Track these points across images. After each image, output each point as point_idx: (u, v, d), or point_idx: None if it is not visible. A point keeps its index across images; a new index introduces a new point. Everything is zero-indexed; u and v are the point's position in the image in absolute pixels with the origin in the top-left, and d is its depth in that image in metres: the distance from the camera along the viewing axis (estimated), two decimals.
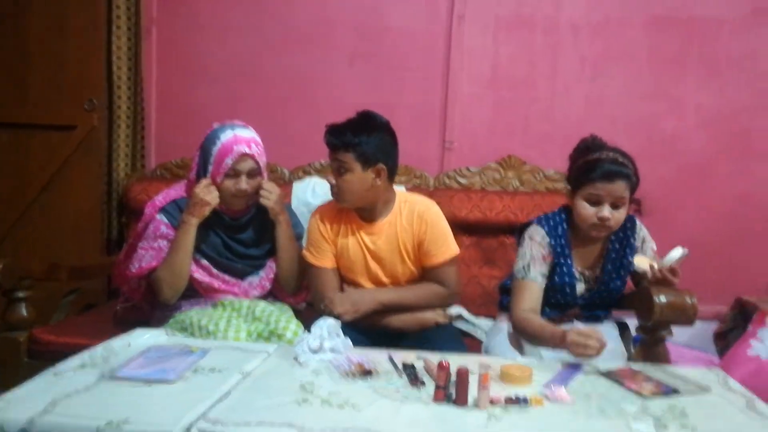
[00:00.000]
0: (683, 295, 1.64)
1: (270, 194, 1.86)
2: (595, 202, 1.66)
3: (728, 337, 2.39)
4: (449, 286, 1.83)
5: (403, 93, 2.70)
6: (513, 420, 1.14)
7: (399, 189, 1.95)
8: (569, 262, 1.75)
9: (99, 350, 1.45)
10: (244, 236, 1.92)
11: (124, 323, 1.92)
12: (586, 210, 1.67)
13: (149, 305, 1.96)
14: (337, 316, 1.65)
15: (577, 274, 1.78)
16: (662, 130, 2.66)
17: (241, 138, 1.80)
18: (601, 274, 1.79)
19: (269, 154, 1.92)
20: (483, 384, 1.18)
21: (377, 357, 1.44)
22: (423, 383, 1.29)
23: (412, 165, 2.62)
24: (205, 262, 1.86)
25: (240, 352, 1.47)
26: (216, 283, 1.87)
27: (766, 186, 2.64)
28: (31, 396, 1.17)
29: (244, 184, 1.82)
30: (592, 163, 1.66)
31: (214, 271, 1.87)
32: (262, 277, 1.94)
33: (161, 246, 1.83)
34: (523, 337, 1.67)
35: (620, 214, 1.67)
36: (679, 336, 1.99)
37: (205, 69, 2.78)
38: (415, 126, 2.66)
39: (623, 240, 1.78)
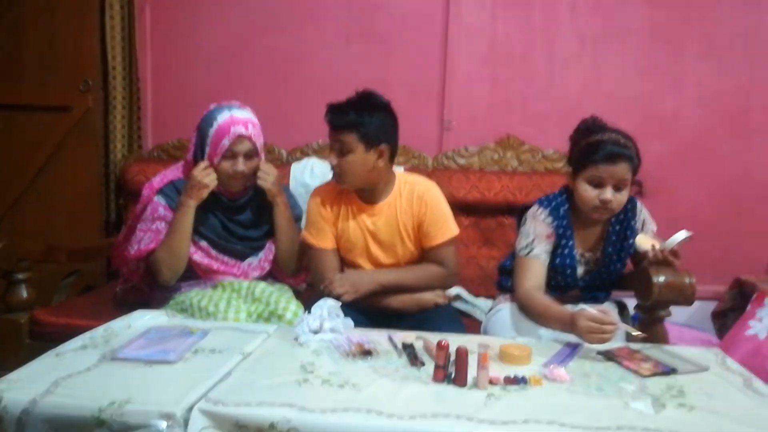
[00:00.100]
0: (682, 275, 1.65)
1: (267, 176, 1.85)
2: (597, 184, 1.64)
3: (726, 317, 2.41)
4: (448, 266, 1.83)
5: (400, 71, 2.67)
6: (512, 399, 1.15)
7: (398, 170, 1.94)
8: (571, 243, 1.74)
9: (100, 331, 1.46)
10: (242, 217, 1.91)
11: (124, 304, 1.92)
12: (587, 192, 1.65)
13: (148, 286, 1.97)
14: (336, 297, 1.65)
15: (578, 256, 1.77)
16: (661, 108, 2.64)
17: (238, 119, 1.79)
18: (601, 257, 1.78)
19: (266, 135, 1.91)
20: (482, 364, 1.18)
21: (377, 337, 1.44)
22: (422, 363, 1.29)
23: (410, 145, 2.60)
24: (204, 243, 1.86)
25: (240, 333, 1.47)
26: (215, 265, 1.87)
27: (765, 164, 2.64)
28: (34, 377, 1.18)
29: (242, 165, 1.81)
30: (594, 145, 1.64)
31: (213, 252, 1.87)
32: (261, 259, 1.93)
33: (159, 228, 1.83)
34: (527, 315, 1.65)
35: (622, 196, 1.65)
36: (677, 316, 2.01)
37: (200, 48, 2.75)
38: (413, 105, 2.64)
39: (624, 222, 1.77)
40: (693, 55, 2.62)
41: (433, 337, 1.38)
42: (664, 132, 2.62)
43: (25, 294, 1.97)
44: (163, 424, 1.04)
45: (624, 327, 1.47)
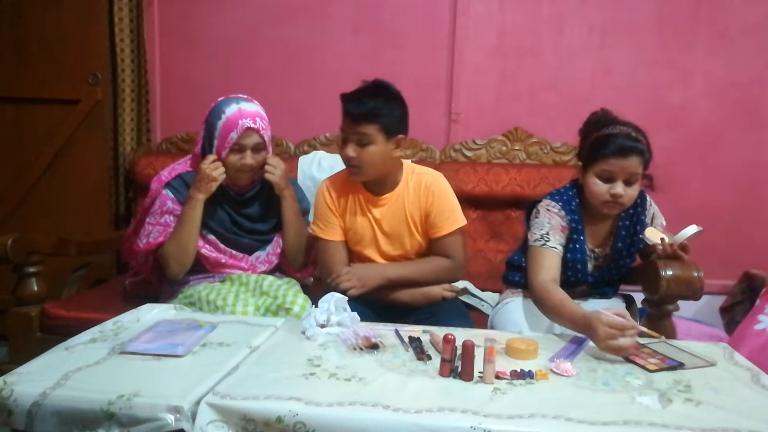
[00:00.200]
0: (690, 269, 1.64)
1: (275, 169, 1.85)
2: (608, 178, 1.61)
3: (734, 311, 2.40)
4: (456, 258, 1.82)
5: (408, 63, 2.66)
6: (518, 394, 1.15)
7: (405, 162, 1.93)
8: (582, 238, 1.72)
9: (109, 325, 1.47)
10: (250, 211, 1.92)
11: (134, 298, 1.94)
12: (598, 187, 1.63)
13: (158, 280, 1.98)
14: (343, 291, 1.65)
15: (588, 252, 1.74)
16: (670, 100, 2.62)
17: (246, 112, 1.79)
18: (611, 252, 1.76)
19: (274, 128, 1.91)
20: (489, 358, 1.18)
21: (384, 331, 1.45)
22: (429, 357, 1.30)
23: (417, 138, 2.60)
24: (212, 237, 1.87)
25: (248, 327, 1.48)
26: (223, 258, 1.88)
27: None
28: (44, 370, 1.19)
29: (249, 158, 1.81)
30: (605, 139, 1.61)
31: (222, 246, 1.88)
32: (269, 252, 1.94)
33: (168, 221, 1.84)
34: (541, 309, 1.59)
35: (633, 191, 1.63)
36: (685, 310, 2.00)
37: (208, 41, 2.75)
38: (421, 97, 2.63)
39: (633, 217, 1.75)
40: (702, 47, 2.59)
41: (440, 331, 1.38)
42: (673, 124, 2.60)
43: (35, 287, 1.99)
44: (171, 418, 1.04)
45: (641, 329, 1.40)
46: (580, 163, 1.71)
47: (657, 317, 1.72)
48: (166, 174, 1.92)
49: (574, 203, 1.71)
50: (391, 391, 1.14)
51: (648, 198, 1.78)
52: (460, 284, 2.12)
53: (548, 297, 1.55)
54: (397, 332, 1.45)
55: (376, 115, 1.68)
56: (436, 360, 1.26)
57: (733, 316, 2.39)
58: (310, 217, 1.98)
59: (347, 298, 1.50)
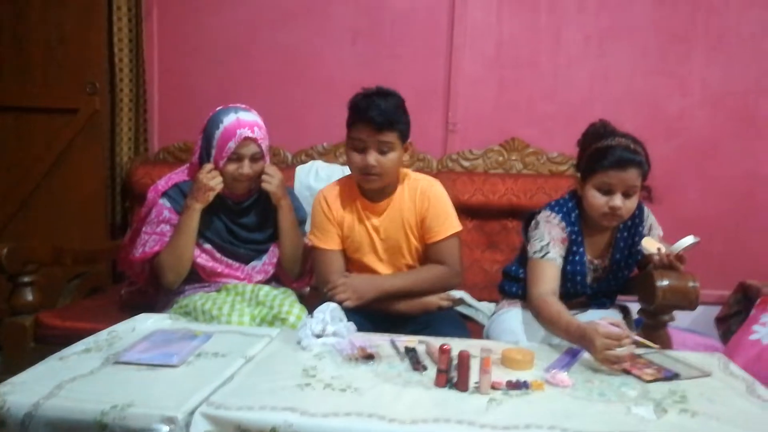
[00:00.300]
0: (686, 279, 1.65)
1: (272, 179, 1.85)
2: (607, 191, 1.61)
3: (730, 321, 2.40)
4: (452, 263, 1.82)
5: (405, 73, 2.68)
6: (514, 404, 1.14)
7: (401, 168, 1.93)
8: (581, 250, 1.71)
9: (103, 335, 1.47)
10: (246, 220, 1.92)
11: (129, 307, 1.93)
12: (597, 199, 1.62)
13: (154, 289, 1.97)
14: (339, 303, 1.65)
15: (587, 263, 1.74)
16: (667, 109, 2.64)
17: (244, 122, 1.79)
18: (610, 264, 1.76)
19: (272, 137, 1.91)
20: (484, 368, 1.18)
21: (379, 341, 1.45)
22: (425, 367, 1.29)
23: (414, 147, 2.58)
24: (208, 246, 1.87)
25: (243, 337, 1.48)
26: (219, 268, 1.88)
27: None
28: (37, 380, 1.19)
29: (247, 168, 1.81)
30: (604, 151, 1.61)
31: (218, 255, 1.88)
32: (266, 262, 1.94)
33: (164, 231, 1.84)
34: (539, 320, 1.59)
35: (632, 203, 1.62)
36: (681, 320, 2.00)
37: (207, 51, 2.77)
38: (418, 107, 2.59)
39: (632, 228, 1.74)
40: (700, 56, 2.61)
41: (436, 342, 1.38)
42: (671, 133, 2.61)
43: (30, 297, 1.98)
44: (165, 428, 1.04)
45: (637, 339, 1.40)
46: (578, 175, 1.71)
47: (653, 327, 1.72)
48: (162, 183, 1.92)
49: (573, 215, 1.71)
50: (387, 402, 1.13)
51: (645, 209, 1.77)
52: (457, 294, 2.12)
53: (546, 309, 1.55)
54: (392, 342, 1.44)
55: (396, 122, 1.70)
56: (432, 370, 1.26)
57: (729, 326, 2.39)
58: (307, 227, 1.98)
59: (343, 309, 1.50)
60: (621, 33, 2.62)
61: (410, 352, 1.36)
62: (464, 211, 2.34)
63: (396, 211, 1.82)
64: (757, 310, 2.09)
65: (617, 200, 1.60)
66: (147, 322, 1.56)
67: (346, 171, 2.39)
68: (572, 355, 1.39)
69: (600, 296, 1.80)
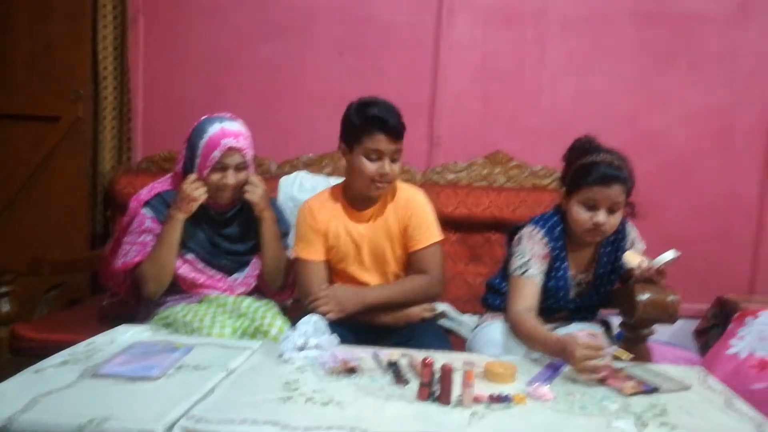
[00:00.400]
0: (665, 293, 1.66)
1: (255, 189, 1.85)
2: (591, 206, 1.61)
3: (708, 335, 2.43)
4: (433, 272, 1.83)
5: (391, 86, 2.68)
6: (496, 418, 1.15)
7: None
8: (565, 265, 1.72)
9: (81, 347, 1.45)
10: (229, 231, 1.91)
11: (109, 319, 1.91)
12: (581, 215, 1.63)
13: (135, 300, 1.95)
14: (321, 314, 1.65)
15: (570, 278, 1.75)
16: (648, 126, 2.68)
17: (228, 131, 1.79)
18: (593, 279, 1.77)
19: (256, 148, 1.91)
20: (467, 382, 1.18)
21: (362, 354, 1.44)
22: (407, 381, 1.29)
23: None
24: (190, 256, 1.85)
25: (224, 349, 1.47)
26: (201, 279, 1.86)
27: (747, 184, 2.68)
28: (12, 394, 1.16)
29: (231, 178, 1.80)
30: (588, 167, 1.62)
31: (200, 266, 1.86)
32: (248, 275, 1.92)
33: (146, 240, 1.82)
34: (517, 337, 1.61)
35: (615, 219, 1.63)
36: (660, 334, 2.02)
37: (192, 60, 2.76)
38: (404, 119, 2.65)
39: (615, 243, 1.76)
40: (679, 74, 2.66)
41: (419, 355, 1.38)
42: (651, 149, 2.65)
43: (6, 307, 1.94)
44: None
45: (613, 350, 1.43)
46: (563, 190, 1.71)
47: (633, 341, 1.74)
48: (145, 193, 1.90)
49: (557, 230, 1.72)
50: (369, 416, 1.13)
51: (628, 223, 1.79)
52: (440, 307, 2.12)
53: (522, 324, 1.58)
54: (375, 356, 1.44)
55: (404, 130, 1.77)
56: (415, 384, 1.26)
57: (707, 340, 2.42)
58: (290, 239, 1.97)
59: (326, 321, 1.50)
60: (603, 50, 2.66)
61: (393, 366, 1.36)
62: (448, 223, 2.35)
63: (381, 218, 1.83)
64: (734, 325, 2.12)
65: (601, 216, 1.61)
66: (126, 334, 1.55)
67: (331, 182, 2.41)
68: (554, 369, 1.40)
69: (583, 310, 1.81)
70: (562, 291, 1.74)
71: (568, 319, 1.80)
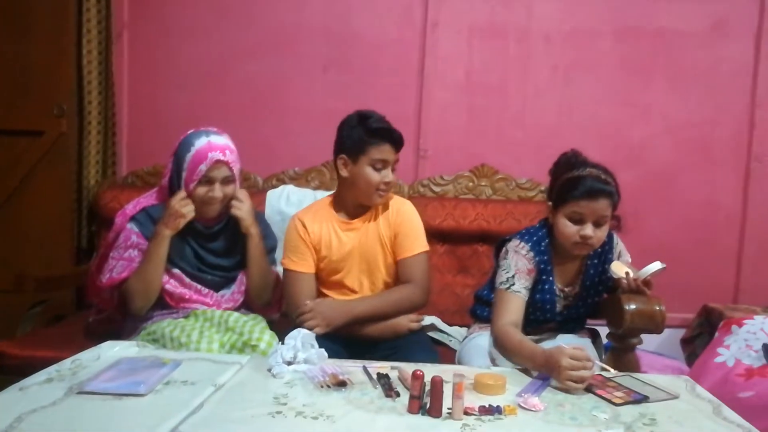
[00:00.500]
0: (652, 303, 1.68)
1: (242, 204, 1.85)
2: (578, 220, 1.62)
3: (695, 344, 2.45)
4: (419, 280, 1.85)
5: (377, 100, 2.68)
6: (487, 429, 1.14)
7: None
8: (551, 279, 1.73)
9: (67, 363, 1.42)
10: (215, 245, 1.90)
11: (95, 335, 1.88)
12: (568, 228, 1.64)
13: (122, 316, 1.93)
14: (308, 329, 1.65)
15: (557, 291, 1.76)
16: (630, 138, 2.72)
17: (215, 145, 1.79)
18: (580, 291, 1.78)
19: (243, 162, 1.91)
20: (457, 393, 1.18)
21: (351, 368, 1.43)
22: (398, 394, 1.29)
23: None
24: (176, 271, 1.84)
25: (213, 364, 1.45)
26: (188, 294, 1.85)
27: (728, 194, 2.72)
28: None
29: (218, 191, 1.80)
30: (575, 181, 1.63)
31: (186, 281, 1.85)
32: (234, 291, 1.91)
33: (132, 256, 1.81)
34: (500, 351, 1.61)
35: (602, 232, 1.64)
36: (648, 343, 2.03)
37: (177, 75, 2.75)
38: None
39: (601, 255, 1.77)
40: (660, 88, 2.71)
41: (409, 368, 1.37)
42: (633, 161, 2.69)
43: None
44: None
45: (598, 368, 1.44)
46: (550, 203, 1.72)
47: (621, 350, 1.75)
48: (131, 208, 1.89)
49: (543, 244, 1.72)
50: (360, 429, 1.12)
51: (614, 236, 1.80)
52: (428, 320, 2.13)
53: (507, 339, 1.57)
54: (365, 369, 1.43)
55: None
56: (405, 396, 1.25)
57: (694, 348, 2.44)
58: (278, 253, 1.97)
59: (314, 334, 1.49)
60: (586, 64, 2.71)
61: (383, 379, 1.36)
62: (435, 235, 2.36)
63: (372, 225, 1.87)
64: (720, 333, 2.14)
65: (588, 230, 1.62)
66: (113, 350, 1.52)
67: (318, 196, 2.42)
68: (544, 379, 1.40)
69: (570, 322, 1.82)
70: (549, 304, 1.75)
71: (556, 331, 1.81)
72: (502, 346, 1.60)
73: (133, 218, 1.85)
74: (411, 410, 1.20)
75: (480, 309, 1.88)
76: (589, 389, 1.35)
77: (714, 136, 2.71)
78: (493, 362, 1.65)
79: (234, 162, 1.82)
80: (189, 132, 1.84)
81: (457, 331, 2.18)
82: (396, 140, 1.82)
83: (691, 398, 1.34)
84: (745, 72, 2.69)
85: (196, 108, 2.73)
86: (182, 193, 1.78)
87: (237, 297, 1.91)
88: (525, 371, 1.47)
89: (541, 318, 1.77)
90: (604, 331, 1.86)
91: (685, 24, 2.68)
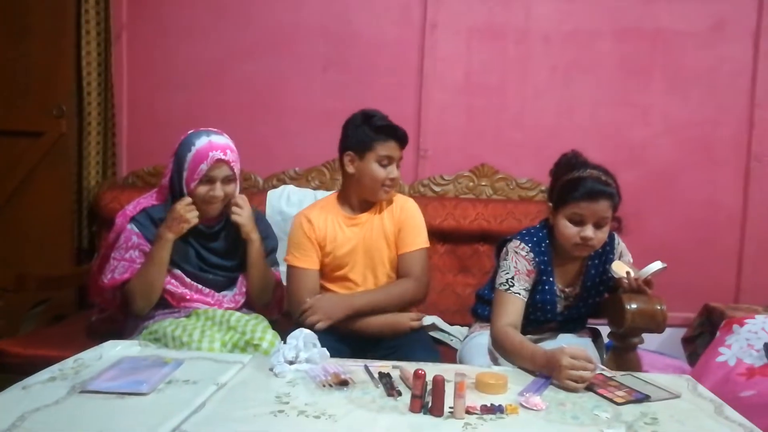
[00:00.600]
0: (653, 303, 1.68)
1: (242, 211, 1.85)
2: (578, 221, 1.62)
3: (696, 343, 2.45)
4: (419, 274, 1.88)
5: (376, 100, 2.67)
6: (489, 428, 1.14)
7: None
8: (551, 279, 1.73)
9: (69, 363, 1.42)
10: (216, 245, 1.90)
11: (97, 334, 1.88)
12: (568, 229, 1.64)
13: (124, 315, 1.93)
14: (311, 326, 1.68)
15: (558, 292, 1.76)
16: (630, 138, 2.72)
17: (216, 144, 1.79)
18: (580, 292, 1.78)
19: (243, 162, 1.91)
20: (459, 393, 1.18)
21: (353, 367, 1.43)
22: (399, 393, 1.29)
23: None
24: (177, 272, 1.84)
25: (215, 363, 1.45)
26: (189, 294, 1.85)
27: (729, 193, 2.72)
28: None
29: (219, 190, 1.80)
30: (576, 182, 1.62)
31: (187, 281, 1.85)
32: (236, 293, 1.92)
33: (133, 257, 1.81)
34: (500, 352, 1.61)
35: (603, 234, 1.64)
36: (649, 343, 2.03)
37: (177, 75, 2.76)
38: None
39: (602, 256, 1.77)
40: (660, 88, 2.71)
41: (410, 367, 1.37)
42: (634, 162, 2.69)
43: None
44: None
45: (600, 367, 1.44)
46: (550, 204, 1.72)
47: (623, 350, 1.75)
48: (131, 208, 1.89)
49: (543, 244, 1.72)
50: (361, 428, 1.13)
51: (616, 236, 1.80)
52: (429, 320, 2.13)
53: (507, 340, 1.57)
54: (366, 368, 1.43)
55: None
56: (407, 396, 1.25)
57: (695, 347, 2.44)
58: (279, 254, 1.98)
59: (316, 335, 1.49)
60: (585, 65, 2.71)
61: (384, 378, 1.36)
62: (436, 235, 2.36)
63: (377, 220, 1.91)
64: (722, 333, 2.14)
65: (588, 231, 1.62)
66: (115, 349, 1.52)
67: (318, 195, 2.43)
68: (545, 379, 1.40)
69: (571, 322, 1.82)
70: (550, 304, 1.75)
71: (556, 331, 1.81)
72: (501, 348, 1.59)
73: (133, 219, 1.85)
74: (413, 409, 1.20)
75: (481, 308, 1.88)
76: (590, 388, 1.35)
77: (714, 135, 2.71)
78: (495, 361, 1.65)
79: (235, 161, 1.83)
80: (189, 132, 1.85)
81: (458, 331, 2.18)
82: (401, 137, 1.87)
83: (693, 397, 1.34)
84: (745, 72, 2.69)
85: (196, 108, 2.73)
86: (187, 199, 1.79)
87: (238, 298, 1.92)
88: (526, 370, 1.48)
89: (541, 318, 1.77)
90: (605, 330, 1.86)
91: (684, 24, 2.68)
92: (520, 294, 1.66)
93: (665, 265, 1.67)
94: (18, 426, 1.08)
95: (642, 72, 2.71)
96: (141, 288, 1.78)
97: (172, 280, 1.83)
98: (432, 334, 2.12)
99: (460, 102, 2.73)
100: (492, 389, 1.32)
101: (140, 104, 2.78)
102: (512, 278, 1.67)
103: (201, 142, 1.79)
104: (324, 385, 1.31)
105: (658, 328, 1.68)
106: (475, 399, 1.25)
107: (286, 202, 2.48)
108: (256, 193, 2.52)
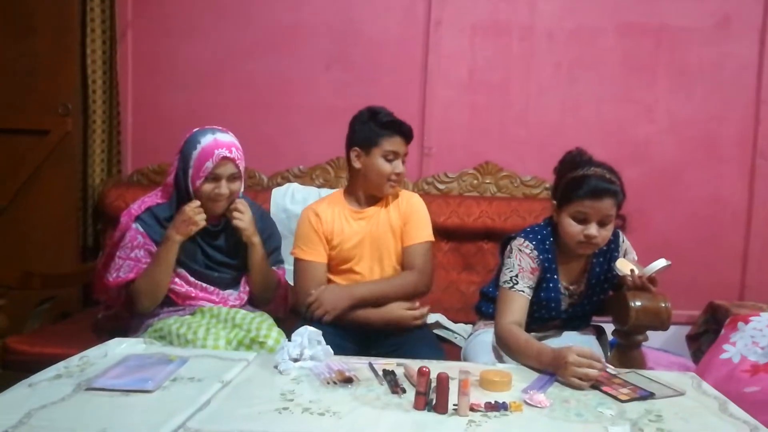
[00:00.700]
0: (658, 300, 1.68)
1: (243, 216, 1.86)
2: (582, 219, 1.62)
3: (700, 341, 2.45)
4: (422, 266, 1.90)
5: (380, 98, 2.65)
6: (493, 426, 1.15)
7: None
8: (555, 277, 1.73)
9: (75, 360, 1.43)
10: (220, 243, 1.90)
11: (102, 332, 1.89)
12: (572, 227, 1.63)
13: (129, 313, 1.94)
14: (318, 319, 1.73)
15: (562, 290, 1.75)
16: (634, 135, 2.71)
17: (221, 142, 1.79)
18: (585, 289, 1.78)
19: (247, 160, 1.91)
20: (463, 390, 1.18)
21: (357, 364, 1.44)
22: (403, 390, 1.29)
23: None
24: (182, 270, 1.85)
25: (220, 361, 1.46)
26: (194, 292, 1.86)
27: (734, 190, 2.71)
28: (5, 408, 1.15)
29: (224, 188, 1.81)
30: (580, 180, 1.62)
31: (192, 279, 1.86)
32: (240, 292, 1.93)
33: (138, 256, 1.82)
34: (504, 350, 1.60)
35: (607, 232, 1.63)
36: (654, 340, 2.03)
37: (182, 73, 2.76)
38: None
39: (607, 253, 1.76)
40: (664, 84, 2.70)
41: (414, 364, 1.38)
42: (638, 159, 2.68)
43: None
44: None
45: (608, 367, 1.44)
46: (554, 202, 1.71)
47: (627, 347, 1.75)
48: (135, 207, 1.89)
49: (548, 242, 1.72)
50: (366, 425, 1.13)
51: (621, 234, 1.79)
52: (433, 317, 2.14)
53: (512, 338, 1.56)
54: (371, 365, 1.44)
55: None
56: (411, 393, 1.26)
57: (700, 345, 2.44)
58: (283, 252, 1.98)
59: (321, 332, 1.49)
60: (589, 62, 2.70)
61: (389, 375, 1.36)
62: (440, 233, 2.36)
63: (383, 213, 1.95)
64: (726, 330, 2.13)
65: (593, 229, 1.61)
66: (120, 347, 1.53)
67: (323, 193, 2.43)
68: (549, 376, 1.40)
69: (575, 320, 1.82)
70: (554, 302, 1.75)
71: (561, 328, 1.81)
72: (506, 345, 1.59)
73: (138, 218, 1.85)
74: (417, 407, 1.21)
75: (485, 306, 1.88)
76: (594, 386, 1.35)
77: (719, 132, 2.70)
78: (499, 359, 1.65)
79: (240, 159, 1.83)
80: (194, 130, 1.85)
81: (462, 328, 2.18)
82: (405, 133, 1.91)
83: (698, 395, 1.34)
84: (750, 68, 2.68)
85: (201, 106, 2.73)
86: (196, 202, 1.80)
87: (243, 297, 1.93)
88: (530, 368, 1.48)
89: (546, 316, 1.77)
90: (609, 328, 1.86)
91: (689, 21, 2.67)
92: (524, 292, 1.66)
93: (669, 262, 1.67)
94: (25, 423, 1.09)
95: (646, 69, 2.70)
96: (147, 288, 1.79)
97: (177, 280, 1.84)
98: (436, 331, 2.13)
99: (464, 99, 2.72)
100: (496, 386, 1.32)
101: (145, 102, 2.79)
102: (516, 276, 1.67)
103: (206, 140, 1.79)
104: (328, 383, 1.32)
105: (662, 326, 1.68)
106: (479, 396, 1.25)
107: (291, 200, 2.49)
108: (260, 191, 2.53)
